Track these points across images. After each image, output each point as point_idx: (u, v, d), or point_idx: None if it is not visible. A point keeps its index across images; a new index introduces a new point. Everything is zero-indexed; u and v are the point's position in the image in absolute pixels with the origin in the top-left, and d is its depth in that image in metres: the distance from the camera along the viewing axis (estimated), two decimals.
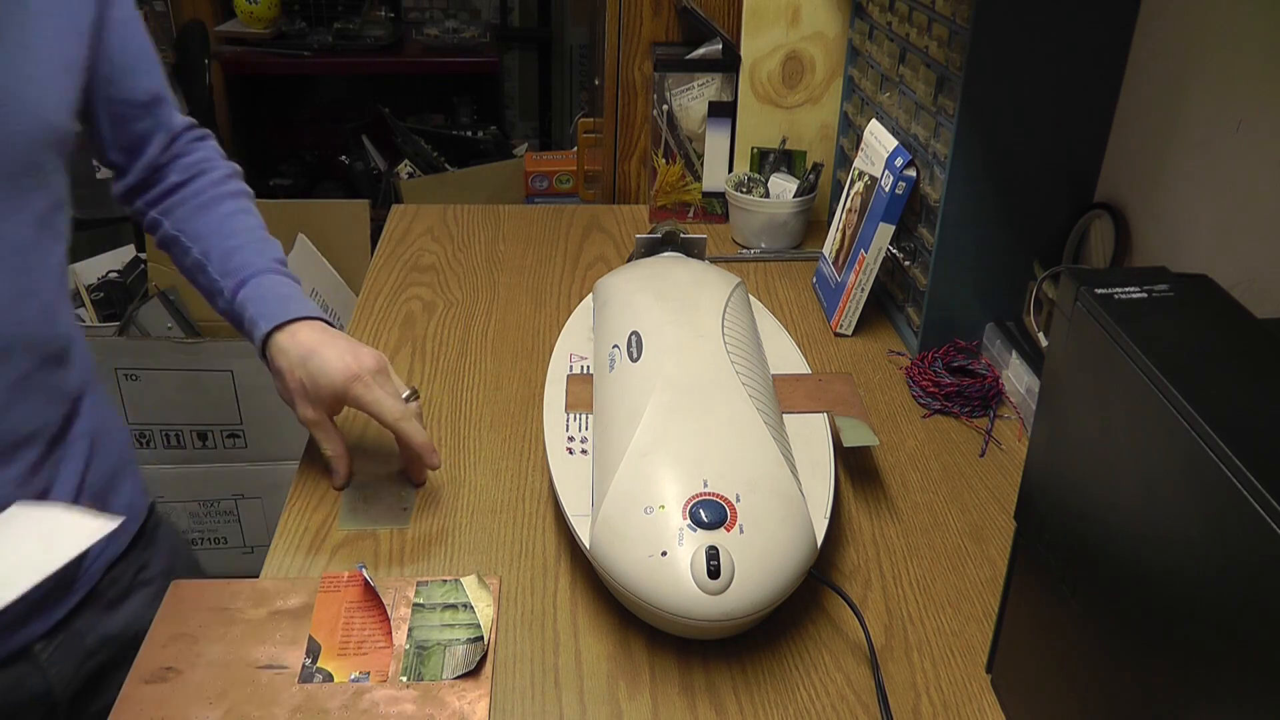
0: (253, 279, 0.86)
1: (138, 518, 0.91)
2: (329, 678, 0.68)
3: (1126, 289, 0.53)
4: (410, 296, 1.21)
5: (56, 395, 0.79)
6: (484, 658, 0.71)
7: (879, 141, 1.13)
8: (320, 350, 0.81)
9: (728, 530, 0.70)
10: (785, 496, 0.73)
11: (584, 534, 0.75)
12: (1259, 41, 0.76)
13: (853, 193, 1.18)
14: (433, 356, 1.09)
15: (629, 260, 1.13)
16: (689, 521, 0.70)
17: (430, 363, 1.08)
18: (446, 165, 2.74)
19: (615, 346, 0.88)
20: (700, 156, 1.41)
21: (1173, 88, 0.87)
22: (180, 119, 0.92)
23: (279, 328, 0.83)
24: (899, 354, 1.11)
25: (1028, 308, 1.02)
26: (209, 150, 0.94)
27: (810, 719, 0.68)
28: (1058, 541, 0.59)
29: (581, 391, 0.89)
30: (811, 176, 1.33)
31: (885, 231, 1.08)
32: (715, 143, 1.40)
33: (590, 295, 1.05)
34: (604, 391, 0.86)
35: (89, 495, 0.81)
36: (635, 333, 0.88)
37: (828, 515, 0.77)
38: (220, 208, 0.91)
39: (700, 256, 1.10)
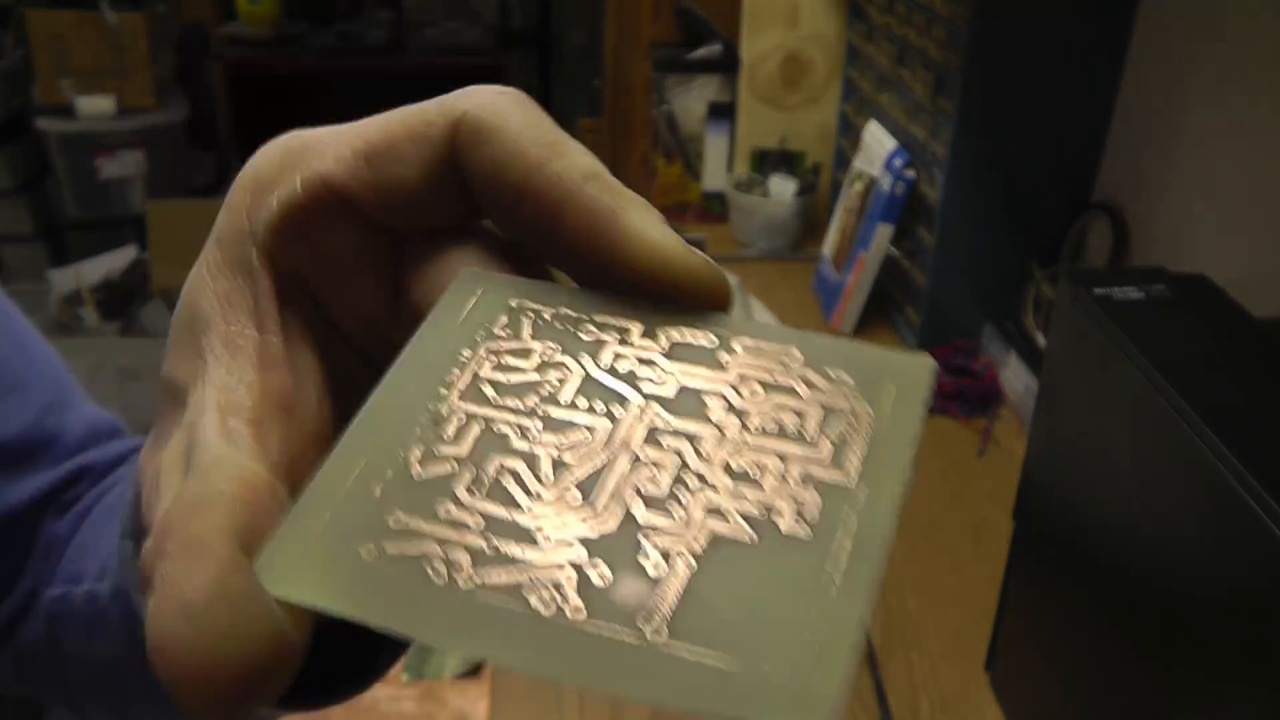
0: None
1: None
2: None
3: (1124, 289, 0.53)
4: None
5: None
6: None
7: (878, 142, 1.13)
8: None
9: None
10: None
11: None
12: (1259, 41, 0.77)
13: (852, 193, 1.18)
14: None
15: None
16: None
17: None
18: None
19: None
20: (700, 157, 1.41)
21: (1171, 88, 0.88)
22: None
23: None
24: None
25: (1026, 308, 1.02)
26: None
27: None
28: (1056, 540, 0.60)
29: None
30: (811, 176, 1.33)
31: (884, 232, 1.08)
32: (715, 143, 1.40)
33: None
34: None
35: None
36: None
37: None
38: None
39: None
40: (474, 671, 0.70)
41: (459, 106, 0.20)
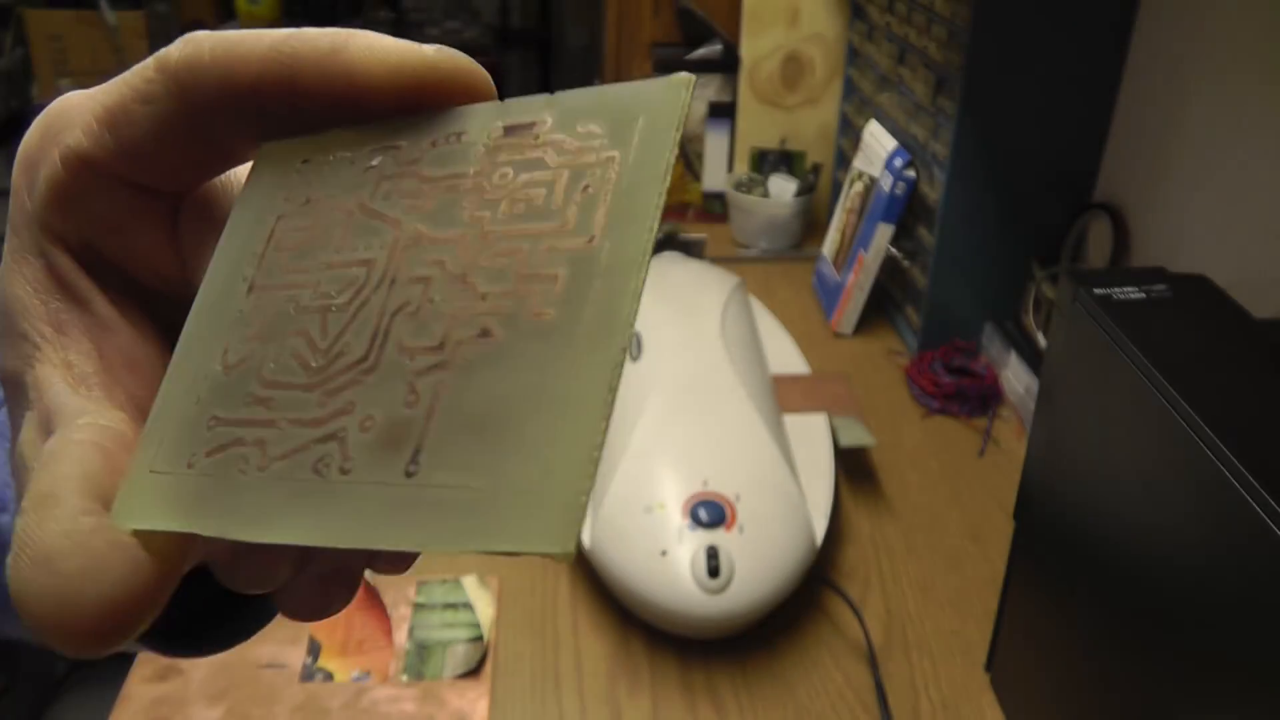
0: None
1: None
2: (330, 676, 0.68)
3: (1124, 289, 0.53)
4: None
5: None
6: (484, 657, 0.71)
7: (878, 142, 1.13)
8: None
9: (727, 530, 0.70)
10: (785, 496, 0.74)
11: (584, 534, 0.75)
12: (1259, 41, 0.77)
13: (852, 193, 1.18)
14: None
15: None
16: (689, 521, 0.70)
17: None
18: None
19: None
20: (700, 157, 1.41)
21: (1172, 88, 0.88)
22: None
23: None
24: (899, 354, 1.11)
25: (1026, 308, 1.02)
26: None
27: (810, 718, 0.68)
28: (1056, 541, 0.60)
29: None
30: (811, 176, 1.33)
31: (885, 232, 1.08)
32: (715, 143, 1.40)
33: None
34: None
35: None
36: (635, 333, 0.88)
37: (827, 515, 0.77)
38: None
39: (700, 256, 1.11)
40: (474, 671, 0.70)
41: (170, 56, 0.20)
